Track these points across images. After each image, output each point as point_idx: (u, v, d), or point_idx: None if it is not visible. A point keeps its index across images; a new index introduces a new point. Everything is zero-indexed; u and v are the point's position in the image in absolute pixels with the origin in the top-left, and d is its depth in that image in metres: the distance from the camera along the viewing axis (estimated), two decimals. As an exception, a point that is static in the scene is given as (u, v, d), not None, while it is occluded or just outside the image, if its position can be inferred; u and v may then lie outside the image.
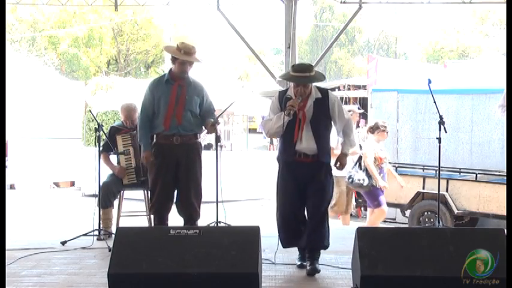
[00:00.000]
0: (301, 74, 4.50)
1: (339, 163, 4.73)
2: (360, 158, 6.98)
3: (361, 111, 7.44)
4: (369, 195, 7.07)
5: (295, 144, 4.53)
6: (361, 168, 6.92)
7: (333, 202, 7.08)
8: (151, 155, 5.24)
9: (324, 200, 4.58)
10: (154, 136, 5.31)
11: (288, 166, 4.60)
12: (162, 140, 5.25)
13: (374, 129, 7.10)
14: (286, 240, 4.65)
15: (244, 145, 17.58)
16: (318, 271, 4.46)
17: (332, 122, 4.65)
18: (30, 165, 12.98)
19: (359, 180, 6.86)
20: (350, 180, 6.94)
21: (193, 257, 3.71)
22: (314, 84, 4.62)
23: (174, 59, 5.24)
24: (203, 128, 5.46)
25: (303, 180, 4.56)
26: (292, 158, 4.55)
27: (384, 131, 7.06)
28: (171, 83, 5.25)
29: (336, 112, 4.60)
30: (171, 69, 5.33)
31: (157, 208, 5.32)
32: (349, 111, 7.18)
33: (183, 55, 5.19)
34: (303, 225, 4.60)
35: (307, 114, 4.54)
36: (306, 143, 4.51)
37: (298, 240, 4.62)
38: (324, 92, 4.68)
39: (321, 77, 4.71)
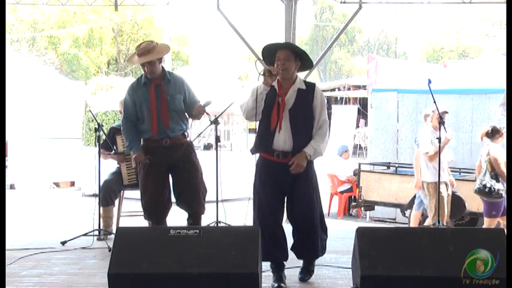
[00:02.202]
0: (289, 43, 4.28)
1: (294, 165, 4.11)
2: (490, 165, 6.48)
3: (444, 111, 6.82)
4: (500, 205, 6.50)
5: (273, 133, 4.14)
6: (491, 176, 6.42)
7: (427, 210, 6.82)
8: (143, 156, 5.08)
9: (309, 209, 4.21)
10: (142, 140, 5.17)
11: (266, 167, 4.24)
12: (151, 143, 5.10)
13: (493, 133, 6.59)
14: (264, 252, 4.09)
15: (244, 145, 17.59)
16: (307, 279, 4.35)
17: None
18: (30, 165, 12.97)
19: (499, 190, 6.35)
20: (486, 189, 6.41)
21: (193, 257, 3.71)
22: (301, 78, 4.36)
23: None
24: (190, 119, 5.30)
25: (283, 184, 4.19)
26: (267, 154, 4.20)
27: (503, 133, 6.60)
28: (148, 84, 5.07)
29: (317, 108, 4.21)
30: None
31: (151, 214, 5.18)
32: (433, 111, 6.83)
33: (139, 58, 5.02)
34: (283, 237, 4.25)
35: (287, 103, 4.16)
36: (284, 136, 4.13)
37: (276, 255, 4.23)
38: (311, 85, 4.31)
39: (308, 59, 4.30)
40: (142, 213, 5.31)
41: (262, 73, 4.07)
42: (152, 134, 5.06)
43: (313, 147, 4.16)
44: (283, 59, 4.17)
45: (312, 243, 4.28)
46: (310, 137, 4.20)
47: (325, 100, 4.43)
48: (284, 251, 4.28)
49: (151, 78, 5.07)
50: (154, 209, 5.15)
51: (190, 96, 5.21)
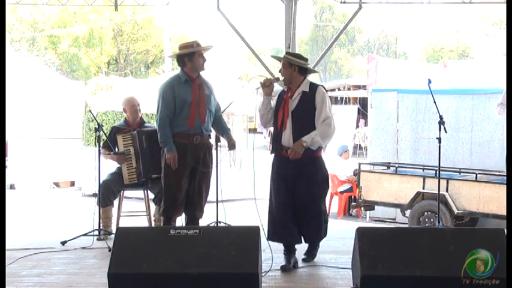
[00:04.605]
0: (285, 55, 4.87)
1: (290, 150, 4.61)
2: None
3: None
4: None
5: (281, 132, 4.69)
6: None
7: None
8: (176, 158, 5.09)
9: (311, 197, 4.67)
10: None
11: (277, 160, 4.79)
12: (182, 139, 5.14)
13: None
14: (272, 233, 4.77)
15: (244, 145, 17.56)
16: (309, 260, 4.85)
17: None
18: (30, 165, 12.95)
19: None
20: None
21: (193, 257, 3.71)
22: (310, 80, 4.82)
23: (189, 58, 5.16)
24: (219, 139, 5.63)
25: (290, 176, 4.68)
26: (278, 151, 4.74)
27: None
28: (190, 83, 5.22)
29: (318, 105, 4.64)
30: (183, 70, 5.23)
31: (171, 213, 5.22)
32: None
33: (198, 47, 5.21)
34: (291, 222, 4.70)
35: (290, 104, 4.69)
36: (288, 133, 4.65)
37: (283, 236, 4.75)
38: (314, 86, 4.76)
39: (301, 67, 4.75)
40: (161, 208, 5.36)
41: (257, 87, 4.81)
42: (189, 128, 5.15)
43: (311, 136, 4.59)
44: (282, 67, 4.81)
45: (315, 229, 4.76)
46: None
47: (328, 98, 4.79)
48: (291, 234, 4.71)
49: (192, 77, 5.23)
50: (176, 208, 5.23)
51: (216, 101, 5.46)
